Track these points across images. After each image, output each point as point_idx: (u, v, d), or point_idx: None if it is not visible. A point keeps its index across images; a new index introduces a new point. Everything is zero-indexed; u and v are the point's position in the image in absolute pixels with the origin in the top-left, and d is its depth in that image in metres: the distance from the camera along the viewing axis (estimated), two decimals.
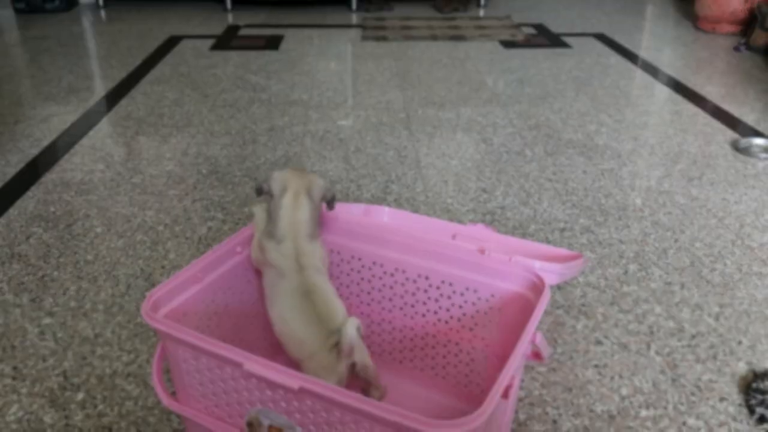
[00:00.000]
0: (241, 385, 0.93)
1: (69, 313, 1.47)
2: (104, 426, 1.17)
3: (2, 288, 1.56)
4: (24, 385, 1.26)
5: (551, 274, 1.10)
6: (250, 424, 0.97)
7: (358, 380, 1.11)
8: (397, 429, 0.80)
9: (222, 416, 0.99)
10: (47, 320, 1.45)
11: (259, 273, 1.22)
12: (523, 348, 0.91)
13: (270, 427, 0.94)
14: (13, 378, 1.28)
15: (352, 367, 1.05)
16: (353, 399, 0.81)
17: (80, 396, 1.24)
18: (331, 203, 1.16)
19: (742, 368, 1.32)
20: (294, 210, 1.10)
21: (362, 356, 1.07)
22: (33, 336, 1.40)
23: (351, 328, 1.02)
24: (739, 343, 1.39)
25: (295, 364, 1.07)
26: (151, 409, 1.21)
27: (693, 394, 1.25)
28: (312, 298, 1.07)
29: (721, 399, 1.24)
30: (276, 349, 1.31)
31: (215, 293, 1.12)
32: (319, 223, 1.17)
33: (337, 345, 1.04)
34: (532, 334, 0.94)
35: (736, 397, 1.25)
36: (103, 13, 4.53)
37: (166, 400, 1.01)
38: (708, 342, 1.39)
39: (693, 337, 1.41)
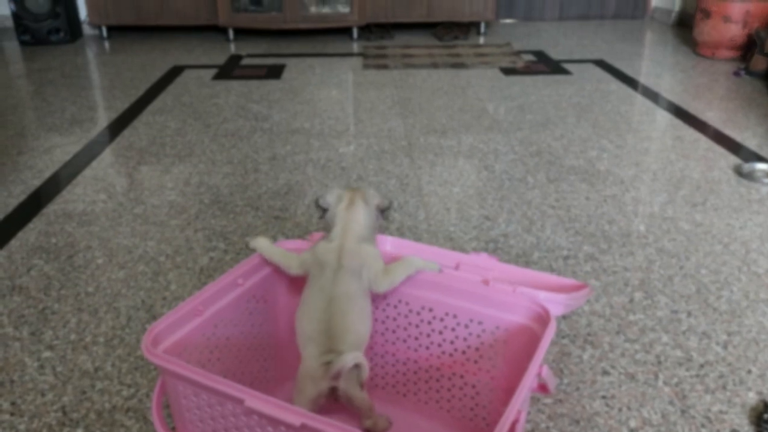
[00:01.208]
0: (242, 422, 0.92)
1: (69, 347, 1.45)
2: None
3: (2, 321, 1.55)
4: (22, 421, 1.24)
5: (557, 305, 1.09)
6: None
7: (349, 406, 1.09)
8: None
9: None
10: (47, 354, 1.43)
11: (263, 302, 1.21)
12: (529, 382, 0.89)
13: None
14: (12, 413, 1.26)
15: (334, 390, 1.05)
16: None
17: None
18: (385, 211, 1.19)
19: (752, 398, 1.29)
20: (348, 213, 1.13)
21: (350, 388, 1.06)
22: (32, 370, 1.38)
23: (348, 360, 1.02)
24: (749, 372, 1.37)
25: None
26: None
27: (703, 425, 1.23)
28: (333, 308, 1.07)
29: (732, 431, 1.22)
30: (278, 382, 1.29)
31: (216, 326, 1.11)
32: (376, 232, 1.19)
33: (329, 364, 1.03)
34: (538, 367, 0.92)
35: (747, 428, 1.22)
36: (107, 44, 4.58)
37: None
38: (717, 371, 1.37)
39: (701, 366, 1.39)
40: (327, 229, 1.16)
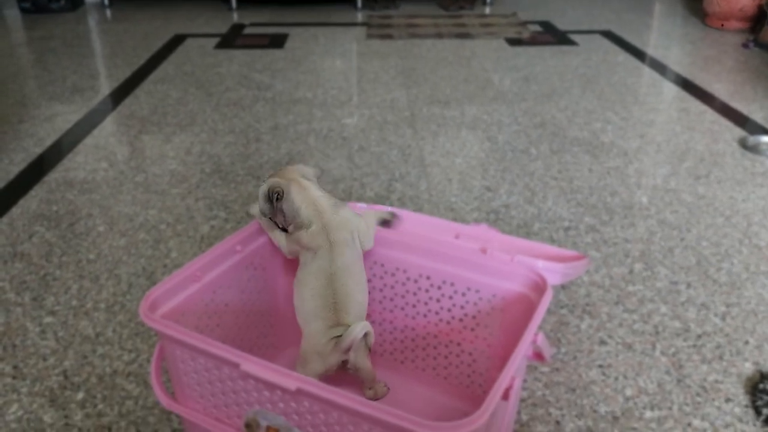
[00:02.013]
0: (239, 386, 0.92)
1: (70, 312, 1.46)
2: (104, 426, 1.16)
3: (4, 287, 1.56)
4: (24, 385, 1.26)
5: (554, 273, 1.09)
6: (248, 426, 0.96)
7: (349, 376, 1.10)
8: (396, 431, 0.79)
9: (220, 417, 0.98)
10: (48, 319, 1.44)
11: (262, 269, 1.21)
12: (523, 349, 0.89)
13: (268, 428, 0.94)
14: (14, 377, 1.28)
15: (344, 363, 1.06)
16: (352, 401, 0.80)
17: (80, 395, 1.23)
18: (319, 178, 1.18)
19: (748, 369, 1.30)
20: (306, 195, 1.09)
21: (359, 359, 1.07)
22: (34, 335, 1.40)
23: (358, 331, 1.02)
24: (746, 343, 1.37)
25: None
26: (151, 408, 1.20)
27: (699, 394, 1.24)
28: (335, 284, 1.07)
29: (727, 400, 1.22)
30: (277, 349, 1.30)
31: (215, 292, 1.12)
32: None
33: (338, 338, 1.04)
34: (533, 335, 0.93)
35: (743, 398, 1.23)
36: (108, 12, 4.54)
37: (164, 401, 1.01)
38: (714, 342, 1.37)
39: (699, 337, 1.39)
40: (296, 224, 1.09)
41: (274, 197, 1.08)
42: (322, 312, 1.06)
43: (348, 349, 1.04)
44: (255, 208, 1.16)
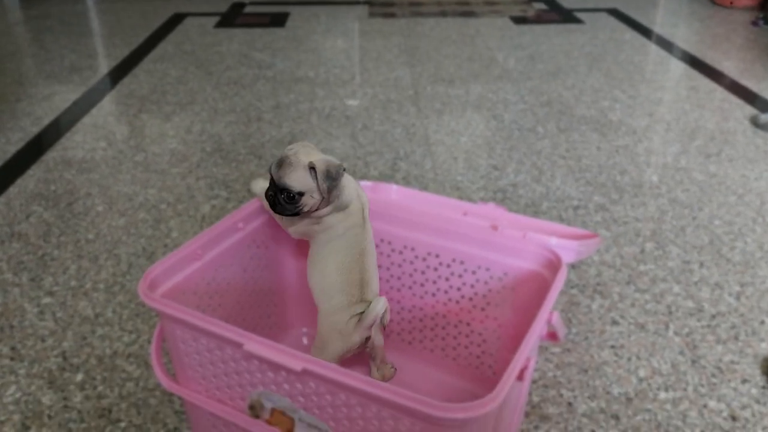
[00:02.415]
0: (242, 367, 0.89)
1: (69, 293, 1.43)
2: (104, 408, 1.13)
3: (1, 267, 1.53)
4: (22, 366, 1.23)
5: (568, 251, 1.05)
6: (252, 408, 0.92)
7: (353, 358, 1.07)
8: (407, 413, 0.76)
9: (223, 399, 0.95)
10: (47, 300, 1.41)
11: (264, 248, 1.17)
12: (538, 328, 0.86)
13: (273, 410, 0.90)
14: (11, 358, 1.25)
15: (366, 341, 1.03)
16: (360, 381, 0.77)
17: (79, 377, 1.20)
18: None
19: (764, 349, 1.27)
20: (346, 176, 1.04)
21: (378, 335, 1.06)
22: (32, 316, 1.36)
23: (380, 305, 1.00)
24: (762, 322, 1.34)
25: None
26: (152, 390, 1.17)
27: (714, 375, 1.20)
28: (364, 260, 1.04)
29: (744, 381, 1.19)
30: (281, 329, 1.27)
31: (216, 271, 1.08)
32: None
33: (359, 315, 1.01)
34: (548, 314, 0.89)
35: (759, 378, 1.20)
36: None
37: (165, 382, 0.97)
38: (729, 322, 1.34)
39: (713, 317, 1.35)
40: (337, 204, 1.02)
41: (340, 174, 0.99)
42: (348, 287, 1.03)
43: (371, 326, 1.01)
44: (257, 186, 1.12)
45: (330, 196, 0.99)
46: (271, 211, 1.06)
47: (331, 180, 0.98)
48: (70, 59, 3.01)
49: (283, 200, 0.99)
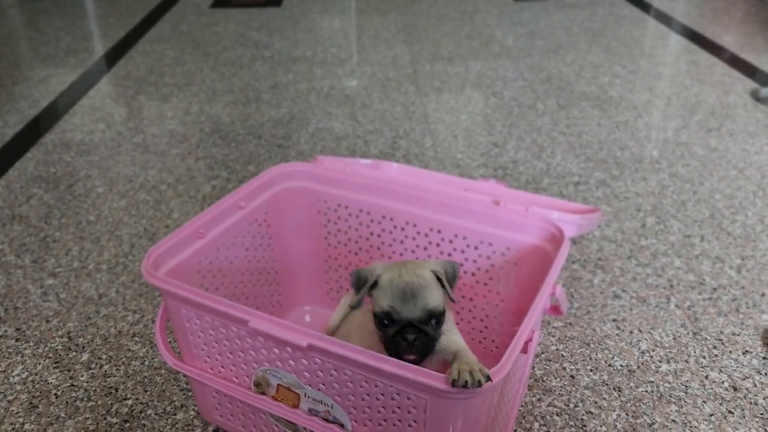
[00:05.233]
0: (248, 344, 0.90)
1: (72, 274, 1.43)
2: (110, 386, 1.14)
3: (3, 249, 1.53)
4: (28, 346, 1.23)
5: (570, 225, 1.05)
6: (257, 385, 0.93)
7: None
8: (412, 387, 0.77)
9: (229, 376, 0.96)
10: (50, 281, 1.41)
11: (267, 226, 1.17)
12: (542, 300, 0.86)
13: (279, 386, 0.91)
14: (17, 339, 1.25)
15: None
16: (365, 356, 0.77)
17: (85, 356, 1.21)
18: None
19: (765, 321, 1.27)
20: None
21: None
22: (36, 297, 1.37)
23: None
24: (762, 295, 1.34)
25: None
26: (157, 369, 1.18)
27: (715, 347, 1.21)
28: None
29: (745, 352, 1.20)
30: (285, 308, 1.27)
31: (218, 249, 1.08)
32: None
33: None
34: (551, 287, 0.89)
35: (761, 349, 1.20)
36: None
37: (170, 360, 0.98)
38: (730, 295, 1.35)
39: (714, 289, 1.36)
40: None
41: (458, 269, 0.90)
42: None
43: None
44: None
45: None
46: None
47: (454, 282, 0.87)
48: (66, 41, 2.98)
49: (431, 331, 0.82)
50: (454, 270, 0.88)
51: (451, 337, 0.88)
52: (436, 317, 0.82)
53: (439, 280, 0.84)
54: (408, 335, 0.81)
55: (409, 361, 0.77)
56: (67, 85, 2.47)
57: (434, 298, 0.83)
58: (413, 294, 0.82)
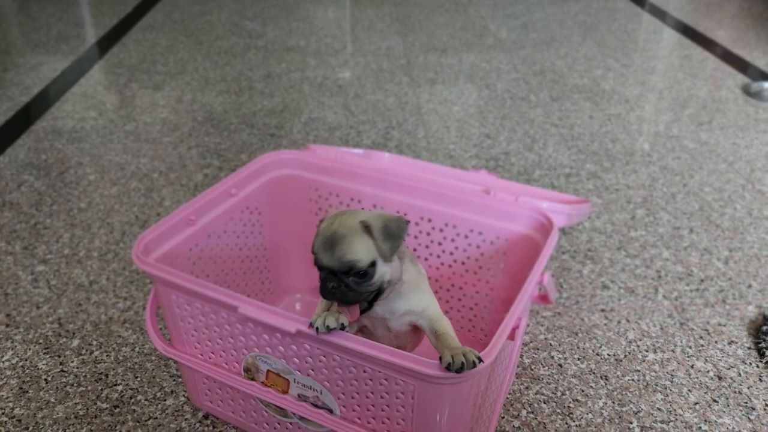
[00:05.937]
0: (237, 330, 0.90)
1: (63, 261, 1.43)
2: (100, 372, 1.14)
3: None
4: (18, 332, 1.24)
5: (559, 214, 1.06)
6: (247, 370, 0.94)
7: None
8: (401, 372, 0.77)
9: (219, 362, 0.96)
10: (41, 267, 1.41)
11: (258, 213, 1.18)
12: (530, 288, 0.87)
13: (268, 372, 0.92)
14: (7, 325, 1.25)
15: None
16: (353, 342, 0.78)
17: (75, 342, 1.21)
18: None
19: (751, 312, 1.29)
20: None
21: None
22: (26, 283, 1.37)
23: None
24: (749, 286, 1.36)
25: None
26: (147, 355, 1.18)
27: (701, 337, 1.23)
28: None
29: (730, 342, 1.21)
30: (276, 296, 1.28)
31: (209, 237, 1.08)
32: None
33: None
34: (539, 275, 0.90)
35: (746, 340, 1.22)
36: None
37: (160, 346, 0.98)
38: (717, 286, 1.36)
39: (702, 281, 1.37)
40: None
41: (403, 229, 0.84)
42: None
43: None
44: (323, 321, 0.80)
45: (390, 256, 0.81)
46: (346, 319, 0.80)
47: (393, 239, 0.80)
48: (58, 28, 2.96)
49: (352, 284, 0.80)
50: (398, 225, 0.81)
51: (425, 299, 0.87)
52: (356, 270, 0.79)
53: (368, 232, 0.80)
54: (327, 283, 0.80)
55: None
56: (58, 73, 2.46)
57: (354, 250, 0.79)
58: (332, 243, 0.79)
